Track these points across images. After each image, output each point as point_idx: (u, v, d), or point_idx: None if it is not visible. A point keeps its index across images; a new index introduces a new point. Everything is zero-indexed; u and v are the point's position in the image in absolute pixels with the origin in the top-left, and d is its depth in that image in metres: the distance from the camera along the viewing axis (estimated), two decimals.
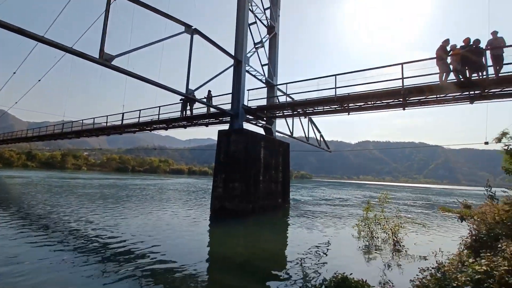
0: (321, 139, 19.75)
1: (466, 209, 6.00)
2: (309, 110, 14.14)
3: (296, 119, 16.60)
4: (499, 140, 6.15)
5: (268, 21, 17.86)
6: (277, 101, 16.24)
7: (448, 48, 9.11)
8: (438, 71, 9.23)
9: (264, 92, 16.79)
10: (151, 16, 9.82)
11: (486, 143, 9.99)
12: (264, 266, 5.50)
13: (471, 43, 8.90)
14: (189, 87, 10.99)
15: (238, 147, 12.57)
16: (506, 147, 5.30)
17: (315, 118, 18.11)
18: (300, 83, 13.47)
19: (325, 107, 13.28)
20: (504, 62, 8.48)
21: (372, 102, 11.66)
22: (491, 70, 8.60)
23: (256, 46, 16.40)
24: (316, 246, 7.19)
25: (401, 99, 10.72)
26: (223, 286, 4.43)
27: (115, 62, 8.34)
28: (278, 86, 16.92)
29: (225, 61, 13.95)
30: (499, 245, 3.41)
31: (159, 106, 18.59)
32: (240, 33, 14.39)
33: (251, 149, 13.10)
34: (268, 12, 17.99)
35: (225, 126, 14.63)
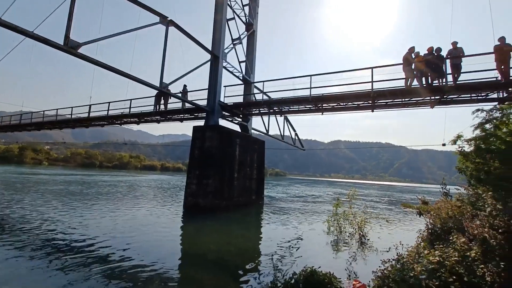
0: (296, 138, 20.18)
1: (424, 205, 6.54)
2: (285, 108, 14.39)
3: (272, 117, 16.79)
4: (454, 142, 6.75)
5: (247, 18, 17.79)
6: (254, 98, 16.30)
7: (413, 56, 9.77)
8: (404, 76, 9.87)
9: (241, 89, 16.74)
10: (125, 4, 9.31)
11: (444, 144, 10.92)
12: (237, 262, 5.54)
13: (434, 51, 9.65)
14: (164, 81, 10.63)
15: (213, 144, 12.44)
16: (460, 149, 5.83)
17: (290, 117, 18.47)
18: (277, 81, 13.65)
19: (300, 107, 13.59)
20: (462, 70, 9.31)
21: (344, 103, 12.16)
22: (450, 78, 9.39)
23: (234, 42, 16.28)
24: (288, 241, 7.38)
25: (370, 102, 11.30)
26: (195, 283, 4.40)
27: (83, 51, 7.80)
28: (255, 84, 16.98)
29: (202, 56, 13.68)
30: (451, 238, 3.76)
31: (130, 99, 17.75)
32: (218, 28, 14.18)
33: (227, 146, 13.03)
34: (247, 9, 17.91)
35: (201, 122, 14.40)
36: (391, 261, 3.89)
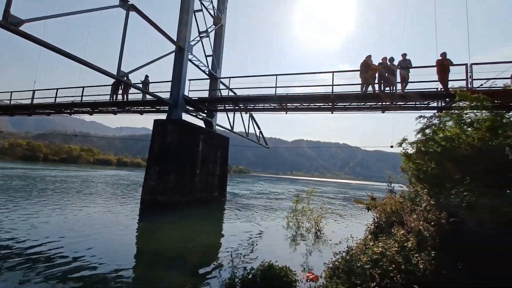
0: (261, 135, 20.47)
1: (372, 201, 7.16)
2: (250, 106, 14.46)
3: (238, 114, 16.78)
4: (400, 144, 7.48)
5: (215, 11, 17.41)
6: (220, 94, 16.09)
7: (369, 63, 10.57)
8: (361, 82, 10.63)
9: (206, 84, 16.41)
10: None
11: (392, 146, 12.02)
12: (197, 259, 5.46)
13: (388, 60, 10.56)
14: (122, 69, 9.92)
15: (175, 138, 12.01)
16: (404, 151, 6.49)
17: (256, 114, 18.64)
18: (243, 78, 13.67)
19: (265, 105, 13.79)
20: (409, 80, 10.34)
21: (307, 104, 12.66)
22: (399, 86, 10.37)
23: (201, 35, 15.84)
24: (249, 237, 7.49)
25: (330, 104, 11.95)
26: (151, 283, 4.22)
27: (26, 29, 6.89)
28: (221, 80, 16.76)
29: (167, 47, 13.07)
30: (393, 230, 4.18)
31: (83, 87, 16.25)
32: (184, 18, 13.65)
33: (189, 141, 12.68)
34: (215, 2, 17.53)
35: (163, 116, 13.76)
36: (342, 253, 4.19)
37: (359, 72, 10.68)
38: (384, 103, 11.23)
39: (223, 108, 15.28)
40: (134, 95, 15.20)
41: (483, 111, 6.60)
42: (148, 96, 13.71)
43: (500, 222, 3.01)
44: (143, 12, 10.39)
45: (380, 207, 6.17)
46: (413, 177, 5.45)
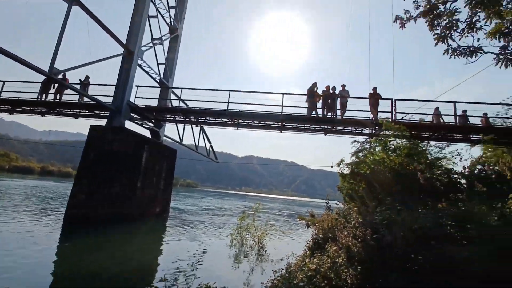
0: (211, 149, 20.15)
1: (312, 218, 7.58)
2: (201, 119, 14.22)
3: (188, 126, 16.31)
4: (338, 165, 8.21)
5: (172, 20, 17.07)
6: (170, 104, 15.49)
7: (315, 90, 11.55)
8: (307, 106, 11.50)
9: (156, 92, 15.66)
10: None
11: (332, 166, 13.09)
12: (132, 280, 4.91)
13: (331, 89, 11.69)
14: (57, 67, 8.82)
15: (115, 147, 10.98)
16: (340, 171, 7.12)
17: (207, 128, 18.37)
18: (196, 91, 13.50)
19: (217, 119, 13.74)
20: (348, 108, 11.58)
21: (258, 122, 13.05)
22: (340, 113, 11.52)
23: (154, 42, 15.27)
24: (190, 256, 7.08)
25: (280, 123, 12.55)
26: None
27: None
28: (173, 90, 16.23)
29: (115, 50, 12.17)
30: (327, 247, 4.45)
31: (4, 81, 13.91)
32: (136, 21, 13.04)
33: (132, 151, 11.73)
34: (173, 11, 17.25)
35: (103, 122, 12.52)
36: (281, 271, 4.26)
37: (306, 97, 11.56)
38: (326, 127, 12.28)
39: (172, 119, 14.68)
40: (72, 96, 13.58)
41: (403, 140, 7.70)
42: (86, 99, 12.39)
43: (412, 237, 3.46)
44: (87, 8, 9.58)
45: (318, 224, 6.54)
46: (347, 195, 5.97)
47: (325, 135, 12.70)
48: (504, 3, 6.12)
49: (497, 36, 5.97)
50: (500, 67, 5.46)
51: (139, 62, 13.81)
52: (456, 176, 5.20)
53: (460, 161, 5.79)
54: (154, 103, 14.63)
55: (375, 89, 11.37)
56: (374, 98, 11.12)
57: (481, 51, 5.59)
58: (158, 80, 15.87)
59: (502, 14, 6.13)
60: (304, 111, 11.67)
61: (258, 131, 14.27)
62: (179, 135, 16.03)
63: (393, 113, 10.76)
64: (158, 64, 15.77)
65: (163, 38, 15.95)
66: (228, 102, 12.13)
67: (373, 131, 11.83)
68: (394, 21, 8.39)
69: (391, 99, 10.90)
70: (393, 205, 3.92)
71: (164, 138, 15.85)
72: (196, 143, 17.43)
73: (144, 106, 13.22)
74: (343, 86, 11.77)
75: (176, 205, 22.20)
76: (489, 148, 5.40)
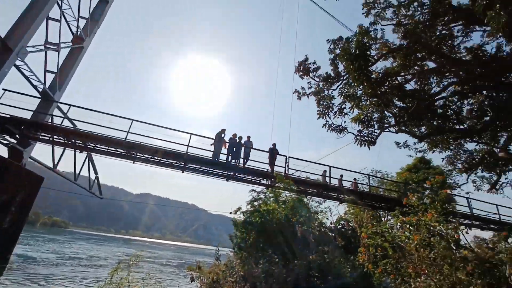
0: (96, 182, 16.97)
1: (199, 269, 7.04)
2: (90, 145, 12.11)
3: (70, 151, 13.46)
4: (235, 212, 8.30)
5: (79, 30, 15.16)
6: (51, 121, 12.70)
7: (222, 137, 12.01)
8: (213, 150, 11.70)
9: (34, 104, 12.68)
10: None
11: (230, 213, 13.15)
12: None
13: (237, 138, 12.41)
14: None
15: None
16: (234, 220, 7.18)
17: (96, 156, 15.65)
18: (92, 112, 11.72)
19: (110, 148, 12.02)
20: (250, 158, 12.42)
21: (159, 158, 12.15)
22: (242, 161, 12.17)
23: (48, 46, 12.93)
24: None
25: (183, 163, 12.08)
26: None
27: None
28: (60, 105, 13.57)
29: None
30: None
31: None
32: (28, 15, 10.95)
33: None
34: (82, 22, 15.46)
35: None
36: None
37: (213, 141, 11.80)
38: (228, 173, 12.61)
39: (49, 139, 11.89)
40: None
41: (291, 193, 8.62)
42: None
43: None
44: None
45: (205, 276, 6.11)
46: (236, 245, 5.96)
47: (227, 181, 12.93)
48: (363, 99, 8.50)
49: (357, 122, 8.09)
50: (357, 145, 7.20)
51: (18, 63, 11.20)
52: (326, 229, 6.08)
53: (331, 216, 6.91)
54: (28, 115, 11.71)
55: (274, 144, 12.83)
56: (273, 153, 12.45)
57: (346, 130, 7.35)
58: (41, 90, 13.05)
59: (361, 107, 8.46)
60: (209, 155, 11.75)
61: (159, 168, 13.18)
62: (53, 160, 12.93)
63: (286, 168, 12.21)
64: (45, 71, 13.18)
65: (62, 45, 13.77)
66: (128, 132, 11.01)
67: (269, 182, 12.92)
68: (293, 93, 10.16)
69: (286, 156, 12.45)
70: (273, 257, 4.12)
71: (30, 160, 12.46)
72: (77, 172, 14.41)
73: (8, 116, 10.33)
74: (248, 137, 12.77)
75: (26, 252, 16.67)
76: (351, 207, 6.74)
